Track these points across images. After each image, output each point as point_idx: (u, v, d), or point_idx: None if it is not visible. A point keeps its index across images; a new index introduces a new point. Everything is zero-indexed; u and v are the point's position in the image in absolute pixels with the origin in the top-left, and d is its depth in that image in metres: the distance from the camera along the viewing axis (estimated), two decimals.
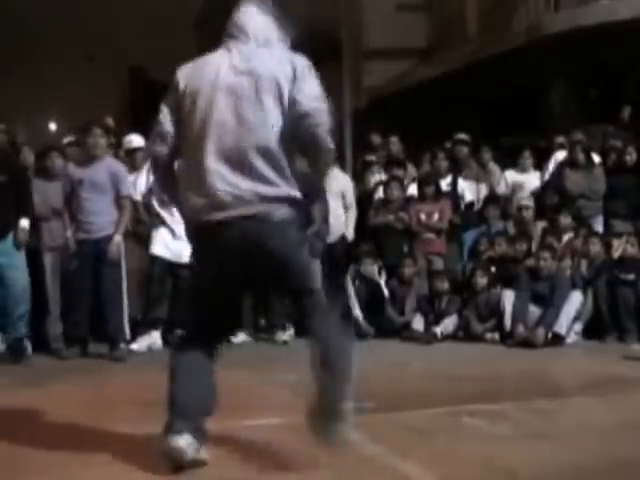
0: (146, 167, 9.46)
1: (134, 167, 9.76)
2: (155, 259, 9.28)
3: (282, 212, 4.08)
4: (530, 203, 10.97)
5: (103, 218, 8.58)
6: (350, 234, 10.77)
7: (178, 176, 4.34)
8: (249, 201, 4.04)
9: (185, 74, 4.26)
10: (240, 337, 9.58)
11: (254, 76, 4.10)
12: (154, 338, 9.16)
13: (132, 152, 10.06)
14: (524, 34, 15.30)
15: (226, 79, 4.14)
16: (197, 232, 4.24)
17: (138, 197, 9.51)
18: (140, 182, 9.49)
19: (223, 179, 4.04)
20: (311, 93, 4.13)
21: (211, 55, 4.34)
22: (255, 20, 4.29)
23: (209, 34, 34.43)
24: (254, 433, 4.92)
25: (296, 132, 4.07)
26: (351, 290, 10.29)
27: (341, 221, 10.58)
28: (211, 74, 4.18)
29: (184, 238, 8.89)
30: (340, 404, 3.98)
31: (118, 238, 8.55)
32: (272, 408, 5.79)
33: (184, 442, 4.01)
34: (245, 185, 4.04)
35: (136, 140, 10.22)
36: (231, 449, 4.53)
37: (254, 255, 4.06)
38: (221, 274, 4.14)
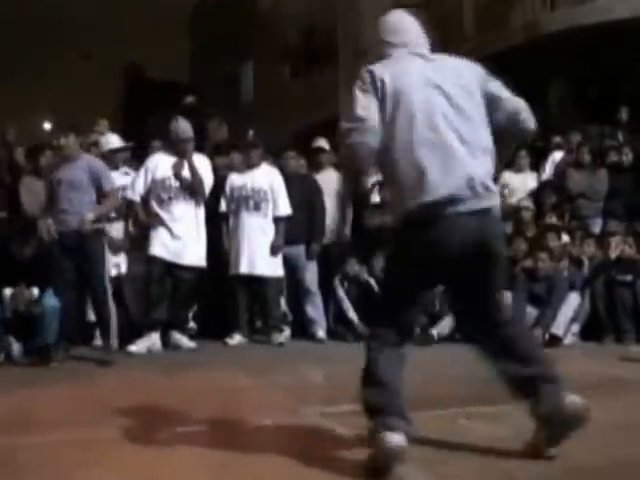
0: (144, 167, 9.40)
1: (113, 167, 9.66)
2: (154, 260, 9.19)
3: (498, 210, 4.18)
4: (529, 204, 10.91)
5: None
6: (345, 235, 10.73)
7: (385, 172, 4.38)
8: (479, 194, 4.05)
9: (386, 72, 4.23)
10: (236, 339, 9.56)
11: (456, 78, 4.25)
12: (154, 340, 9.08)
13: (112, 152, 10.04)
14: (521, 33, 15.31)
15: (433, 80, 4.21)
16: (409, 227, 4.15)
17: (137, 198, 9.42)
18: (139, 182, 9.39)
19: (454, 173, 4.04)
20: (503, 91, 4.32)
21: (401, 59, 4.35)
22: (415, 27, 4.50)
23: (204, 34, 34.51)
24: (251, 435, 4.95)
25: (504, 126, 4.24)
26: (342, 292, 10.20)
27: (336, 222, 10.62)
28: (414, 75, 4.22)
29: (183, 238, 9.06)
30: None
31: (90, 216, 8.35)
32: (267, 410, 5.74)
33: (400, 440, 4.01)
34: (477, 176, 4.05)
35: (115, 141, 10.21)
36: (225, 451, 4.53)
37: (476, 253, 4.07)
38: (430, 272, 4.16)
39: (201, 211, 9.40)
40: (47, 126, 35.25)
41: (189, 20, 38.69)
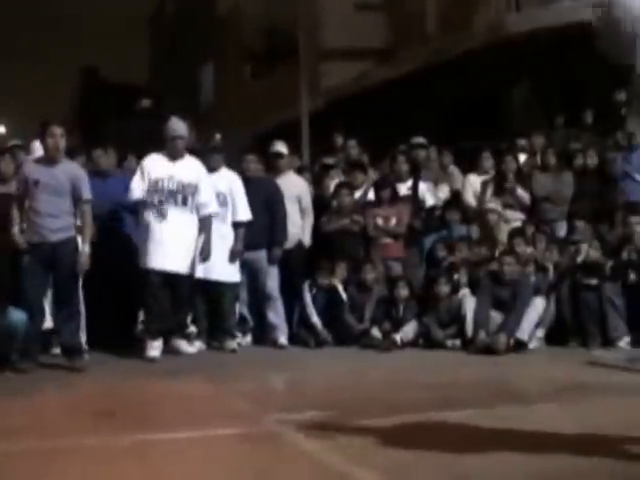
0: (140, 167, 9.20)
1: None
2: (149, 272, 8.97)
3: None
4: (496, 207, 10.83)
5: (60, 222, 8.28)
6: (307, 240, 10.64)
7: None
8: None
9: None
10: (197, 345, 9.50)
11: None
12: (156, 348, 8.95)
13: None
14: (485, 34, 15.26)
15: None
16: None
17: (140, 197, 9.19)
18: (138, 183, 9.16)
19: None
20: None
21: None
22: None
23: (163, 36, 34.39)
24: (210, 443, 4.93)
25: None
26: (308, 297, 10.12)
27: (298, 227, 10.49)
28: None
29: (175, 243, 8.85)
30: None
31: (87, 249, 8.26)
32: (228, 418, 5.74)
33: None
34: None
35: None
36: (187, 460, 4.52)
37: None
38: None
39: (194, 216, 9.18)
40: (1, 130, 34.88)
41: (148, 22, 38.59)
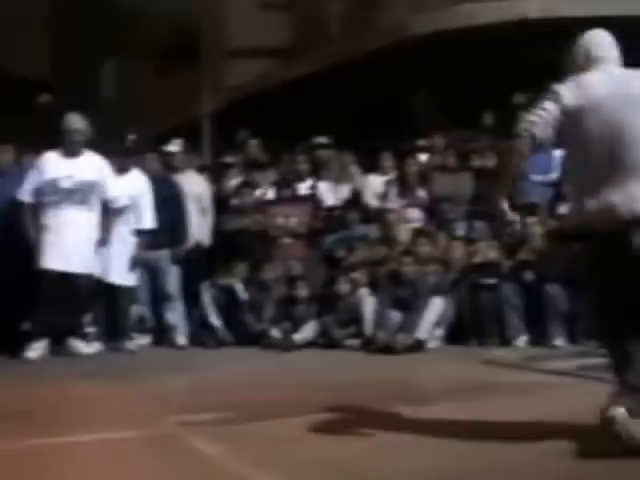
0: (34, 172, 9.00)
1: None
2: (46, 272, 8.81)
3: None
4: (395, 206, 10.89)
5: None
6: (207, 240, 10.61)
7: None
8: None
9: (570, 88, 4.41)
10: (95, 346, 9.39)
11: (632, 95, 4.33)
12: (37, 349, 8.79)
13: None
14: (387, 35, 15.34)
15: (614, 97, 4.33)
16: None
17: (27, 198, 9.06)
18: (29, 183, 9.00)
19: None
20: None
21: (589, 76, 4.48)
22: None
23: (64, 31, 33.86)
24: (106, 447, 4.82)
25: None
26: (207, 297, 10.08)
27: (197, 226, 10.46)
28: (599, 92, 4.35)
29: (73, 243, 8.69)
30: None
31: None
32: (125, 420, 5.64)
33: None
34: None
35: None
36: (81, 464, 4.44)
37: None
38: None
39: (93, 214, 9.06)
40: None
41: (48, 17, 37.92)
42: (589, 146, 4.27)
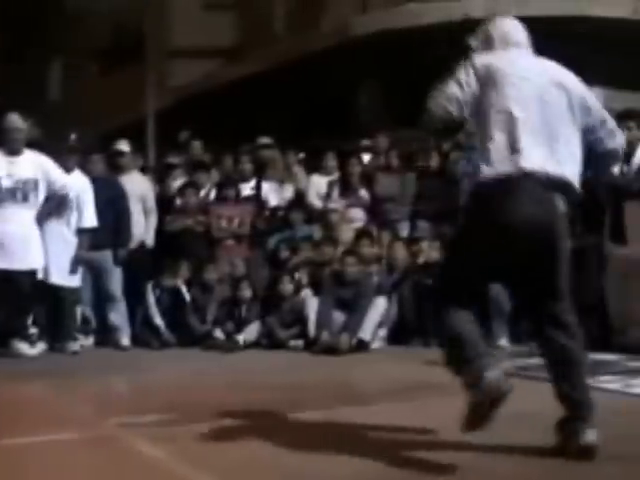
0: None
1: None
2: None
3: None
4: (337, 206, 10.91)
5: None
6: (150, 240, 10.56)
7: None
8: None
9: (481, 62, 4.48)
10: (38, 347, 9.31)
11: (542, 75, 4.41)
12: None
13: None
14: (332, 35, 15.33)
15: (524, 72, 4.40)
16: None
17: None
18: None
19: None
20: None
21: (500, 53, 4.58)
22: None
23: (8, 31, 33.51)
24: (45, 449, 4.75)
25: None
26: (151, 298, 10.07)
27: (141, 226, 10.44)
28: (509, 67, 4.41)
29: (16, 242, 8.62)
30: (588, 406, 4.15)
31: None
32: (67, 422, 5.57)
33: (498, 375, 4.08)
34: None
35: None
36: (17, 468, 4.35)
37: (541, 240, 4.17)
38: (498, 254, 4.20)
39: (34, 212, 9.01)
40: None
41: None
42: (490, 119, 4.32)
